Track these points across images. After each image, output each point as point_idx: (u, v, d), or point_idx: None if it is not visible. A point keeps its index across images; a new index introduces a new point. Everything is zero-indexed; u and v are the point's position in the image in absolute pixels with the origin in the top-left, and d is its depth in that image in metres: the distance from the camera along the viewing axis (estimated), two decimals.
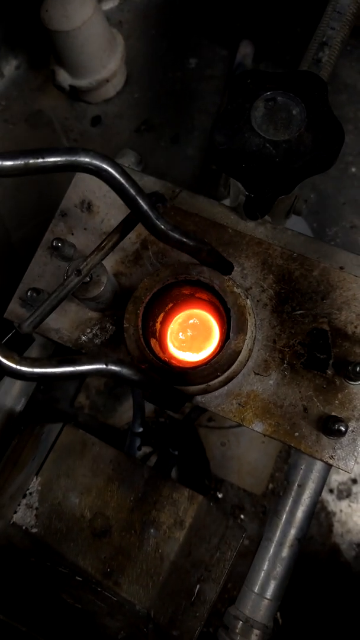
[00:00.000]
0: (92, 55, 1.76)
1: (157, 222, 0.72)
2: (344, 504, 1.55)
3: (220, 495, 1.55)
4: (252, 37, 1.91)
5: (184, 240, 0.76)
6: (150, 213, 0.71)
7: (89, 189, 0.99)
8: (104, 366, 0.66)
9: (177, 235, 0.74)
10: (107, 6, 2.01)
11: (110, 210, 0.98)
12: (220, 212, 0.97)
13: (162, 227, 0.72)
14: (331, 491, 1.56)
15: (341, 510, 1.54)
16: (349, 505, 1.55)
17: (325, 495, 1.55)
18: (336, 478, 1.56)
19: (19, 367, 0.61)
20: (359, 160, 1.78)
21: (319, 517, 1.54)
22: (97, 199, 0.99)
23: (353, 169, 1.77)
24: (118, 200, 0.99)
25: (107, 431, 1.59)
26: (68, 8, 1.62)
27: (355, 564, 1.51)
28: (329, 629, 1.47)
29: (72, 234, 0.98)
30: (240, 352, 0.82)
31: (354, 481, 1.56)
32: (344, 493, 1.55)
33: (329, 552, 1.52)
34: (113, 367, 0.67)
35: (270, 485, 1.55)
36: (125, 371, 0.69)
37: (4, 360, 0.60)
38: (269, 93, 0.85)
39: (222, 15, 1.98)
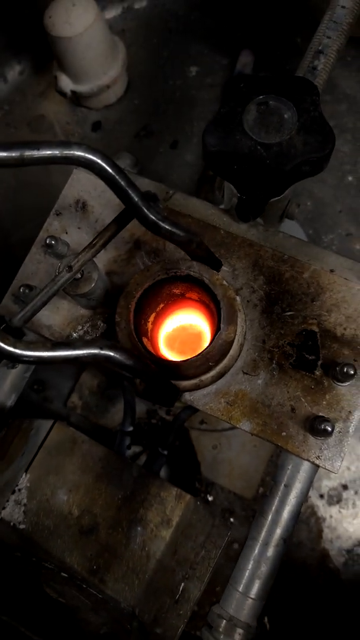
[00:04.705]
0: (93, 62, 1.78)
1: (147, 212, 0.73)
2: (334, 510, 1.54)
3: (210, 498, 1.55)
4: (252, 46, 1.94)
5: (174, 231, 0.77)
6: (141, 204, 0.72)
7: (84, 189, 1.01)
8: (99, 350, 0.66)
9: (167, 226, 0.76)
10: (110, 14, 2.05)
11: (104, 210, 0.99)
12: (213, 214, 0.98)
13: (153, 217, 0.74)
14: (321, 496, 1.55)
15: (331, 516, 1.54)
16: (339, 511, 1.54)
17: (316, 500, 1.55)
18: (327, 483, 1.56)
19: (14, 350, 0.61)
20: (356, 169, 1.80)
21: (309, 522, 1.54)
22: (92, 198, 1.00)
23: (350, 178, 1.79)
24: (112, 201, 1.01)
25: (98, 432, 1.60)
26: (71, 15, 1.65)
27: (344, 570, 1.50)
28: (317, 635, 1.46)
29: (66, 233, 0.99)
30: (231, 342, 0.82)
31: (345, 487, 1.55)
32: (334, 498, 1.54)
33: (318, 557, 1.51)
34: (107, 352, 0.67)
35: (261, 490, 1.54)
36: (119, 356, 0.69)
37: None
38: (261, 97, 0.86)
39: (223, 24, 2.01)
